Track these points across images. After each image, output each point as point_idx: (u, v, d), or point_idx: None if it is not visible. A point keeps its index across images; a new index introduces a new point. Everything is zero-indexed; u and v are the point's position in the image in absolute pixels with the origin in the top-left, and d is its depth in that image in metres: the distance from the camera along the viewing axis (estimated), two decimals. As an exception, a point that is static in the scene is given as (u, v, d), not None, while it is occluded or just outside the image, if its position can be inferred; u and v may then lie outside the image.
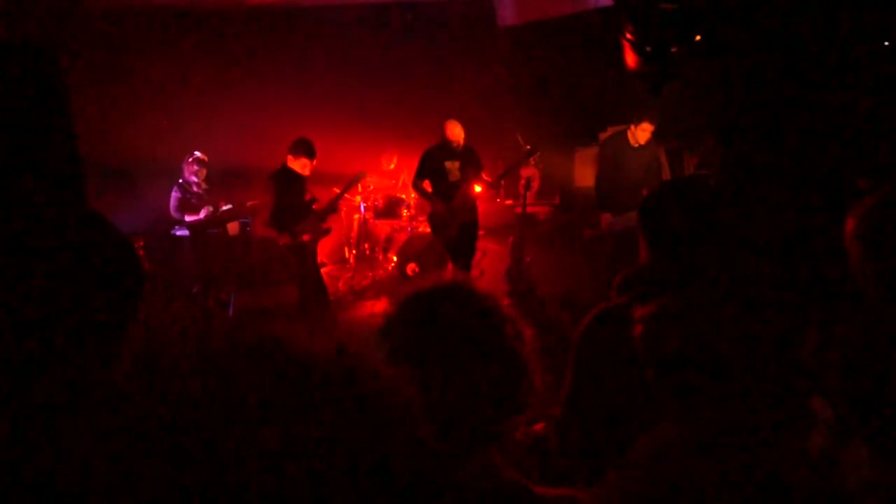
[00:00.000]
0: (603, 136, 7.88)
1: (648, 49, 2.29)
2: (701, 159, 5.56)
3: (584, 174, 7.52)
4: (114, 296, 1.03)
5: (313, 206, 4.85)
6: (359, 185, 6.61)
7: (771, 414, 1.06)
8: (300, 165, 4.60)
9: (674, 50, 2.23)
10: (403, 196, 7.03)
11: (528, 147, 5.64)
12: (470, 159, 5.38)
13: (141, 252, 5.41)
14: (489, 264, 6.93)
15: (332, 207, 4.98)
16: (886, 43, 2.66)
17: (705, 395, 1.12)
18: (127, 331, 1.06)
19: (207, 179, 6.19)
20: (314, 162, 4.67)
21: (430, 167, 5.39)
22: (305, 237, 4.67)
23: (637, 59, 2.48)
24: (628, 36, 2.42)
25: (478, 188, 5.50)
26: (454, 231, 5.43)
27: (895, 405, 1.06)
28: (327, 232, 5.00)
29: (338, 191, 5.39)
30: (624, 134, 5.38)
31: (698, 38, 2.20)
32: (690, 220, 1.58)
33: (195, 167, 5.95)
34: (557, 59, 8.17)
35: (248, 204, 6.85)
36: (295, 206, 4.66)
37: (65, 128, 2.01)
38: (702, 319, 1.22)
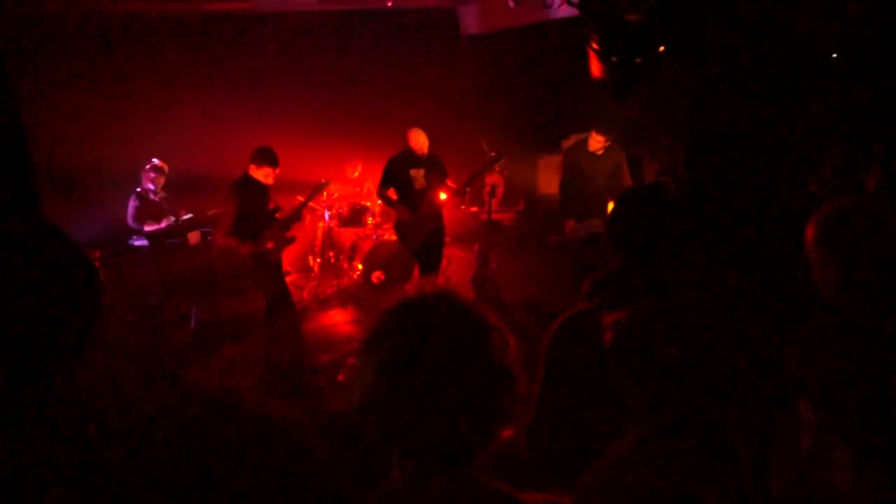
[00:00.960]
0: (565, 143, 7.99)
1: (614, 59, 2.33)
2: (661, 166, 5.67)
3: (548, 181, 7.61)
4: (70, 311, 1.00)
5: (276, 216, 4.79)
6: (324, 193, 6.54)
7: (751, 417, 1.08)
8: (263, 174, 4.54)
9: (638, 60, 2.27)
10: (368, 204, 6.99)
11: (494, 154, 5.67)
12: (434, 167, 5.38)
13: (97, 263, 5.25)
14: (454, 271, 6.93)
15: (296, 216, 4.92)
16: (834, 55, 2.77)
17: (676, 400, 1.13)
18: (86, 346, 1.02)
19: (166, 188, 6.05)
20: (277, 170, 4.61)
21: (394, 175, 5.37)
22: (269, 245, 4.58)
23: (602, 68, 2.52)
24: (594, 46, 2.46)
25: (443, 195, 5.50)
26: (421, 239, 5.42)
27: (868, 407, 1.09)
28: (291, 241, 4.93)
29: (301, 199, 5.32)
30: (586, 142, 5.45)
31: (662, 48, 2.25)
32: (655, 227, 1.61)
33: (152, 174, 5.82)
34: (519, 68, 8.27)
35: (209, 213, 6.71)
36: (258, 215, 4.58)
37: (13, 133, 1.93)
38: (671, 326, 1.24)
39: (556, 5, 7.24)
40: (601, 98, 6.79)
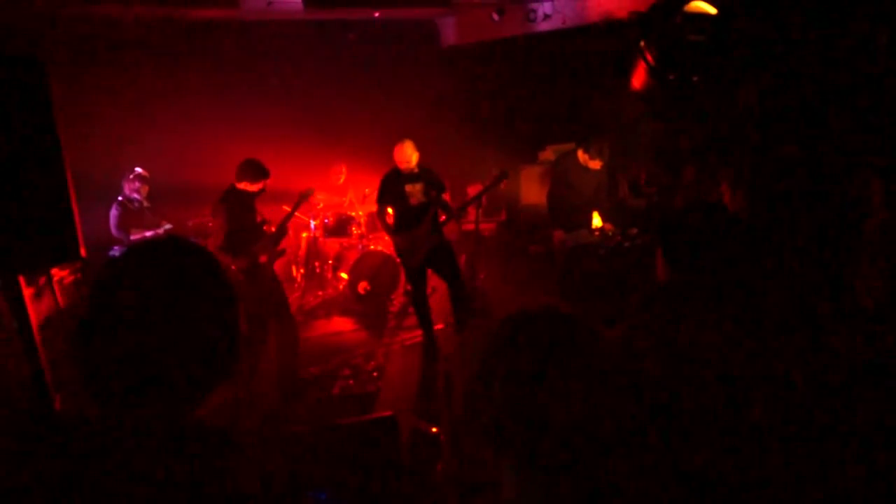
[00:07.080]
0: (542, 154, 8.08)
1: (671, 77, 2.38)
2: (648, 178, 5.78)
3: (530, 192, 7.68)
4: (223, 325, 0.99)
5: (265, 228, 4.70)
6: (311, 202, 6.45)
7: None
8: (253, 186, 4.47)
9: (695, 79, 2.33)
10: (353, 214, 6.94)
11: (498, 172, 5.62)
12: (431, 180, 5.14)
13: (79, 276, 5.09)
14: (440, 282, 6.94)
15: (283, 230, 4.76)
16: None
17: None
18: (234, 362, 1.02)
19: (149, 197, 5.92)
20: (267, 181, 4.54)
21: (390, 192, 5.12)
22: (262, 259, 4.52)
23: (649, 82, 2.57)
24: (650, 60, 2.49)
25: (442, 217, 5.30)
26: (420, 257, 5.14)
27: None
28: (282, 253, 4.86)
29: (287, 209, 5.22)
30: (574, 154, 5.48)
31: (719, 69, 2.32)
32: (713, 243, 1.65)
33: (137, 184, 5.68)
34: (499, 79, 8.36)
35: (189, 223, 6.57)
36: (247, 228, 4.49)
37: (54, 145, 1.88)
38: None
39: (539, 19, 7.40)
40: (585, 112, 6.91)
